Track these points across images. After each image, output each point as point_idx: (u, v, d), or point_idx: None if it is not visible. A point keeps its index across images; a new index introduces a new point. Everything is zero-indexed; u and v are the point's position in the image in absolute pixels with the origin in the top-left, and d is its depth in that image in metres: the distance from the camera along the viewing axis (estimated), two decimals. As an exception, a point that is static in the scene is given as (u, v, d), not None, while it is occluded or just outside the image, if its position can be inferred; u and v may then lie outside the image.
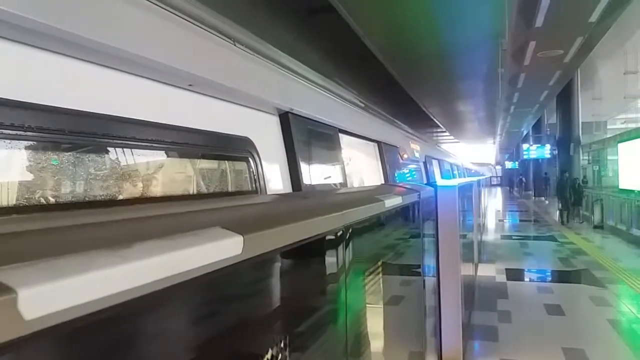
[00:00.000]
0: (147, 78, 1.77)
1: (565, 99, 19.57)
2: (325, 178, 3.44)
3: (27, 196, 1.07)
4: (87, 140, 1.36)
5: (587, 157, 21.59)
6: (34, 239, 0.58)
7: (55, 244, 0.55)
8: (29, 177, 1.11)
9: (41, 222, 0.68)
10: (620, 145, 15.23)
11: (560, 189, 16.61)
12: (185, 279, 0.59)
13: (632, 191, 13.11)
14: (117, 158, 1.45)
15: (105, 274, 0.49)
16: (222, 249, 0.66)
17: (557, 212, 16.73)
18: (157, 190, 1.63)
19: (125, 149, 1.52)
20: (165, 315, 0.62)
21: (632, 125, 22.23)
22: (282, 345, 0.90)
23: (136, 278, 0.53)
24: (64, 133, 1.27)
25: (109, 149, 1.46)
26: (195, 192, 2.00)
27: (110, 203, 1.33)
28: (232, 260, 0.68)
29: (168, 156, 1.83)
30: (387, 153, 5.80)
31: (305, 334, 1.06)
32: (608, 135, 22.13)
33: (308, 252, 1.06)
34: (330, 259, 1.20)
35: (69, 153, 1.26)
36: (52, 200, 1.09)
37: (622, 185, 14.32)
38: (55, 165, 1.19)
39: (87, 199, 1.27)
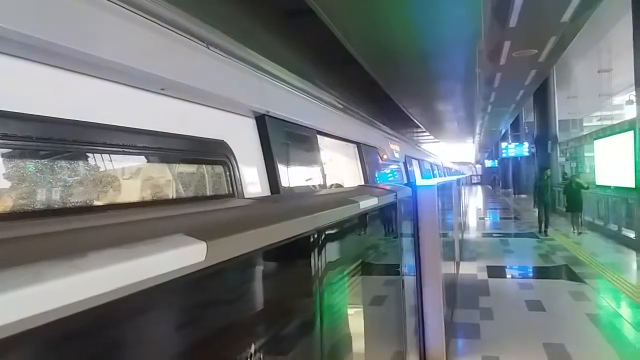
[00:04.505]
0: (117, 82, 1.74)
1: (541, 98, 19.89)
2: (304, 180, 3.43)
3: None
4: (54, 146, 1.32)
5: (564, 155, 21.90)
6: None
7: (6, 255, 0.53)
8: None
9: None
10: (596, 142, 15.51)
11: (539, 191, 13.37)
12: (144, 288, 0.58)
13: (608, 187, 13.36)
14: (86, 164, 1.42)
15: (57, 284, 0.48)
16: (184, 256, 0.65)
17: (537, 218, 13.16)
18: (127, 196, 1.60)
19: (94, 155, 1.48)
20: (125, 325, 0.60)
21: (608, 123, 22.68)
22: (249, 354, 0.88)
23: (91, 288, 0.51)
24: (29, 139, 1.23)
25: (77, 155, 1.43)
26: (168, 197, 1.97)
27: (79, 211, 1.30)
28: (194, 268, 0.67)
29: (139, 162, 1.80)
30: (366, 154, 5.81)
31: (275, 342, 1.05)
32: (584, 133, 22.54)
33: (278, 257, 1.05)
34: (302, 264, 1.18)
35: (32, 160, 1.23)
36: (12, 208, 1.06)
37: (598, 182, 14.58)
38: (18, 172, 1.16)
39: (54, 207, 1.23)
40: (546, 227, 12.72)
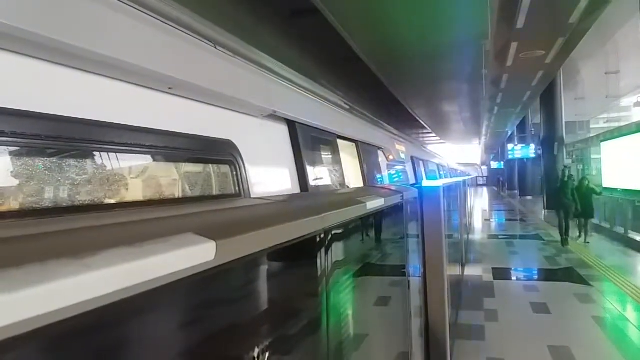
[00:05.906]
0: (126, 82, 1.74)
1: (548, 99, 19.79)
2: (316, 179, 3.42)
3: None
4: (62, 144, 1.33)
5: (570, 157, 21.77)
6: None
7: (16, 253, 0.54)
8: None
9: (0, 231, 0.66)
10: (602, 144, 15.44)
11: (560, 194, 11.39)
12: (155, 286, 0.58)
13: (615, 189, 13.29)
14: (91, 162, 1.42)
15: (67, 283, 0.48)
16: (194, 255, 0.65)
17: (558, 226, 11.43)
18: (132, 195, 1.60)
19: (103, 154, 1.49)
20: (135, 323, 0.60)
21: (615, 125, 22.55)
22: (258, 353, 0.89)
23: (101, 286, 0.51)
24: (36, 138, 1.24)
25: (85, 153, 1.43)
26: (177, 196, 1.97)
27: (88, 209, 1.30)
28: (204, 267, 0.67)
29: (149, 160, 1.80)
30: (370, 154, 5.80)
31: (283, 341, 1.05)
32: (591, 135, 22.42)
33: (286, 257, 1.05)
34: (309, 264, 1.19)
35: (41, 158, 1.23)
36: (21, 207, 1.06)
37: (605, 184, 14.50)
38: (27, 170, 1.16)
39: (59, 205, 1.24)
40: (567, 234, 11.04)
